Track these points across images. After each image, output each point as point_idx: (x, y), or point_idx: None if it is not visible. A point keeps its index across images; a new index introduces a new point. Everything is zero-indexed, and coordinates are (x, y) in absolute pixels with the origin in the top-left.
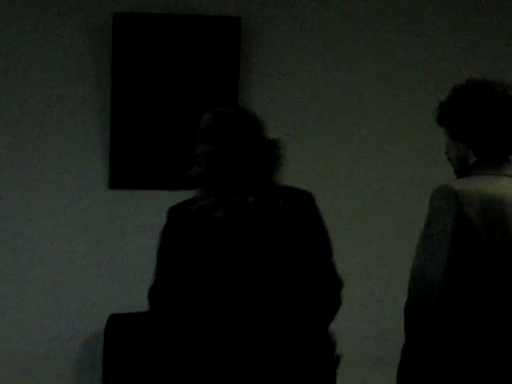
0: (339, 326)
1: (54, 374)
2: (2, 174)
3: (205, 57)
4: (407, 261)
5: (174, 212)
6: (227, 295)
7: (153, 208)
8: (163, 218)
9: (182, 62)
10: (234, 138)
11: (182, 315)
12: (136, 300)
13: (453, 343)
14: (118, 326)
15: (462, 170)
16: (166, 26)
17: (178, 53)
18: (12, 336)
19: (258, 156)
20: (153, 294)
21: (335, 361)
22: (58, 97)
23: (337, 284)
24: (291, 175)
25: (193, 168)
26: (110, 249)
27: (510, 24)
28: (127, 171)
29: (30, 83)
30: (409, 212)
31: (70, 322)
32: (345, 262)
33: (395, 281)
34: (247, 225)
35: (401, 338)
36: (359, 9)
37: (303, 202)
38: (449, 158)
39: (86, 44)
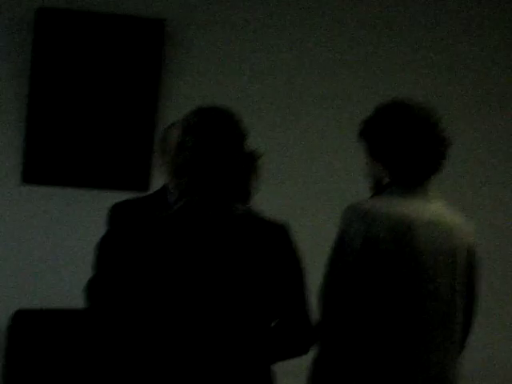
0: None
1: None
2: None
3: (127, 57)
4: None
5: (122, 209)
6: (173, 304)
7: (64, 205)
8: (75, 216)
9: (103, 61)
10: (216, 133)
11: (118, 315)
12: (43, 296)
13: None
14: (24, 321)
15: (377, 188)
16: (89, 23)
17: (101, 52)
18: None
19: (237, 163)
20: (91, 289)
21: None
22: None
23: (311, 333)
24: None
25: (171, 161)
26: (20, 243)
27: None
28: (41, 167)
29: None
30: None
31: None
32: None
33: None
34: (217, 238)
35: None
36: (284, 8)
37: (276, 233)
38: (366, 175)
39: (7, 37)
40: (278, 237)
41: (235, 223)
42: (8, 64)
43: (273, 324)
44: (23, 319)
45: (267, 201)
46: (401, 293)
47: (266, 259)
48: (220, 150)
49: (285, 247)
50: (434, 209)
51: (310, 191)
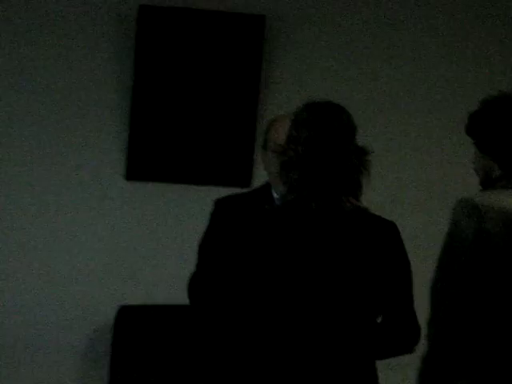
0: None
1: (62, 365)
2: (19, 168)
3: (228, 53)
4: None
5: (225, 204)
6: (281, 301)
7: (167, 201)
8: (176, 212)
9: (204, 58)
10: (330, 128)
11: (222, 310)
12: (147, 292)
13: (470, 360)
14: (128, 318)
15: (487, 182)
16: (190, 20)
17: (201, 48)
18: (21, 326)
19: (349, 157)
20: (194, 285)
21: None
22: (78, 87)
23: (416, 333)
24: None
25: (281, 155)
26: (125, 240)
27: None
28: (144, 163)
29: (50, 74)
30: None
31: (79, 314)
32: None
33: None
34: (328, 233)
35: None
36: (382, 10)
37: (387, 230)
38: (475, 169)
39: (110, 35)
40: (387, 234)
41: (345, 218)
42: (112, 60)
43: (378, 321)
44: (128, 315)
45: (374, 197)
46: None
47: (375, 256)
48: (332, 144)
49: (394, 245)
50: None
51: (417, 188)
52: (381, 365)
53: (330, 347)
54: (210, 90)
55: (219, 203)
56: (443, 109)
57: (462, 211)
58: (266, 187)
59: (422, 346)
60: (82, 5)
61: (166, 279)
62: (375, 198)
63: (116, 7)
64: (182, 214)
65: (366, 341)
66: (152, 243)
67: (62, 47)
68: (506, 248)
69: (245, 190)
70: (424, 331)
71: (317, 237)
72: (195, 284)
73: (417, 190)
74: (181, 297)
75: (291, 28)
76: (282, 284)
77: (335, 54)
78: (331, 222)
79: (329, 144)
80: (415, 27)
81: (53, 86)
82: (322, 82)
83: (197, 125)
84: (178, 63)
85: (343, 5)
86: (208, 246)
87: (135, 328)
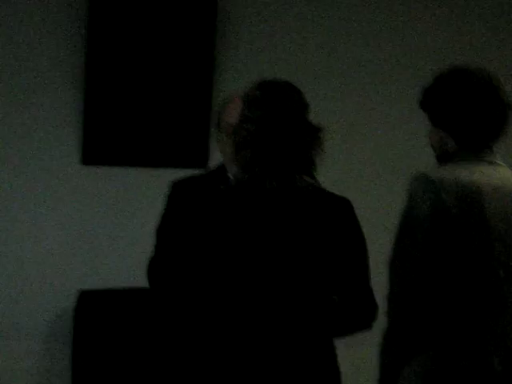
0: None
1: (23, 349)
2: None
3: (181, 36)
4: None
5: (182, 186)
6: (240, 279)
7: (124, 185)
8: (135, 195)
9: (158, 40)
10: (282, 106)
11: (181, 291)
12: (107, 277)
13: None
14: (89, 302)
15: (443, 156)
16: (143, 2)
17: (155, 30)
18: None
19: (302, 135)
20: (153, 267)
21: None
22: (31, 73)
23: (373, 309)
24: None
25: (233, 135)
26: (83, 225)
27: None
28: (100, 147)
29: (2, 62)
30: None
31: (39, 298)
32: None
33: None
34: (282, 211)
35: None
36: None
37: (341, 207)
38: (431, 145)
39: (62, 20)
40: (341, 210)
41: (299, 196)
42: (64, 45)
43: (335, 299)
44: (88, 300)
45: (329, 175)
46: (472, 259)
47: (329, 232)
48: (284, 122)
49: (348, 221)
50: (502, 173)
51: (369, 164)
52: (342, 342)
53: (286, 326)
54: (165, 72)
55: (175, 185)
56: (396, 83)
57: (418, 186)
58: (222, 168)
59: (381, 323)
60: None
61: (125, 263)
62: (333, 175)
63: None
64: (140, 197)
65: (323, 318)
66: (110, 227)
67: (13, 34)
68: (463, 221)
69: (201, 171)
70: (383, 307)
71: (271, 215)
72: (154, 267)
73: (373, 166)
74: (140, 280)
75: (244, 8)
76: (238, 263)
77: (288, 32)
78: (285, 199)
79: (281, 122)
80: (368, 7)
81: (5, 74)
82: (277, 61)
83: (151, 108)
84: (131, 47)
85: None
86: (165, 229)
87: (96, 312)
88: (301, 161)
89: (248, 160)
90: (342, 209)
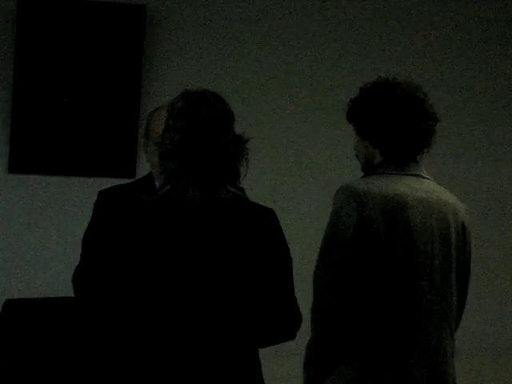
0: None
1: None
2: None
3: (109, 44)
4: None
5: (108, 195)
6: (162, 288)
7: (51, 194)
8: (59, 204)
9: (86, 49)
10: (207, 116)
11: (105, 302)
12: (32, 285)
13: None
14: (14, 311)
15: (369, 168)
16: (70, 11)
17: (83, 39)
18: None
19: (226, 145)
20: (78, 277)
21: None
22: None
23: (297, 319)
24: None
25: (159, 145)
26: (8, 233)
27: None
28: (27, 156)
29: None
30: None
31: None
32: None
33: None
34: (205, 221)
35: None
36: None
37: (264, 217)
38: (356, 156)
39: None
40: (265, 221)
41: (222, 206)
42: None
43: (259, 309)
44: (13, 309)
45: (254, 185)
46: (396, 271)
47: (253, 242)
48: (208, 133)
49: (272, 231)
50: (427, 186)
51: (296, 176)
52: (265, 353)
53: (210, 337)
54: (93, 81)
55: (102, 194)
56: (324, 89)
57: (343, 198)
58: (150, 177)
59: (303, 332)
60: None
61: (51, 272)
62: (260, 185)
63: None
64: (67, 207)
65: (247, 328)
66: (36, 236)
67: None
68: (387, 233)
69: (129, 181)
70: (308, 318)
71: (194, 225)
72: (80, 276)
73: (300, 177)
74: (66, 289)
75: (172, 17)
76: (160, 274)
77: (217, 41)
78: (208, 210)
79: (205, 132)
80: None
81: None
82: (205, 71)
83: (79, 116)
84: (59, 55)
85: None
86: (92, 238)
87: (20, 321)
88: (225, 171)
89: (172, 170)
90: (265, 219)
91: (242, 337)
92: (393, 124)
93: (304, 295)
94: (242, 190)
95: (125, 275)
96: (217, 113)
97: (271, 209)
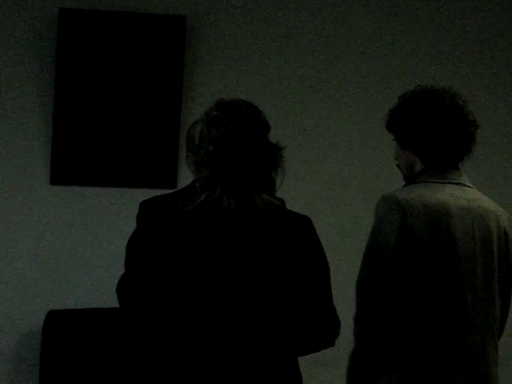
0: None
1: None
2: None
3: (150, 55)
4: None
5: (150, 206)
6: (201, 299)
7: (93, 205)
8: (102, 215)
9: (126, 60)
10: (241, 125)
11: (152, 313)
12: (76, 297)
13: (398, 354)
14: (57, 322)
15: (410, 176)
16: (111, 22)
17: (123, 50)
18: None
19: (261, 154)
20: (122, 287)
21: None
22: (0, 91)
23: (336, 326)
24: None
25: (189, 155)
26: (51, 245)
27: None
28: (69, 167)
29: None
30: None
31: (7, 318)
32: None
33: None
34: (241, 230)
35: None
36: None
37: (301, 225)
38: (398, 165)
39: (31, 38)
40: (301, 229)
41: (257, 214)
42: (34, 64)
43: (297, 317)
44: (56, 320)
45: (290, 193)
46: (439, 281)
47: (289, 250)
48: (242, 141)
49: (309, 239)
50: (469, 194)
51: (333, 184)
52: (307, 362)
53: (249, 346)
54: (133, 92)
55: (144, 205)
56: (361, 102)
57: (385, 207)
58: (192, 187)
59: (344, 341)
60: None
61: (95, 283)
62: (302, 193)
63: (36, 11)
64: (109, 217)
65: (286, 337)
66: (79, 247)
67: None
68: (430, 243)
69: (171, 191)
70: (351, 328)
71: (229, 234)
72: (124, 286)
73: (341, 186)
74: (109, 300)
75: (211, 28)
76: (201, 283)
77: (256, 52)
78: (243, 218)
79: (238, 141)
80: (328, 29)
81: None
82: (245, 81)
83: (121, 127)
84: (100, 66)
85: (264, 2)
86: (135, 249)
87: (64, 332)
88: (260, 180)
89: (207, 179)
90: (301, 227)
91: (281, 345)
92: (433, 131)
93: (343, 303)
94: (282, 200)
95: (165, 285)
96: (250, 122)
97: (307, 216)
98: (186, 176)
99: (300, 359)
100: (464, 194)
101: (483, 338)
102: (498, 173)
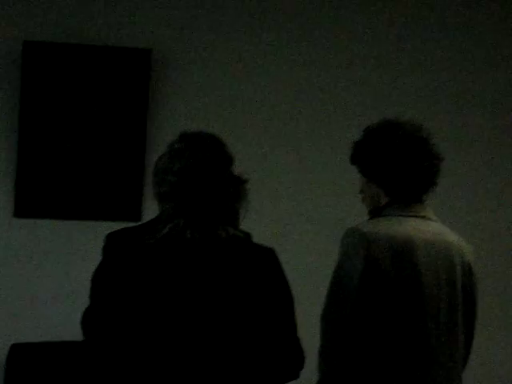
0: None
1: None
2: None
3: (114, 88)
4: None
5: (116, 238)
6: (165, 331)
7: (58, 238)
8: (66, 248)
9: (91, 93)
10: (204, 158)
11: (116, 346)
12: (39, 330)
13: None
14: (20, 356)
15: (375, 209)
16: (76, 55)
17: (88, 83)
18: None
19: (224, 186)
20: (86, 320)
21: None
22: None
23: (300, 358)
24: None
25: (155, 187)
26: (14, 277)
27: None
28: (32, 200)
29: None
30: None
31: None
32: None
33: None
34: (205, 262)
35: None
36: (269, 31)
37: (265, 257)
38: (362, 199)
39: None
40: (265, 260)
41: (221, 247)
42: None
43: (261, 349)
44: (20, 353)
45: (254, 225)
46: (404, 314)
47: (253, 282)
48: (205, 173)
49: (273, 271)
50: (433, 227)
51: (297, 215)
52: None
53: (215, 379)
54: (98, 124)
55: (110, 237)
56: (328, 135)
57: (350, 240)
58: (158, 219)
59: (309, 374)
60: None
61: (59, 316)
62: (267, 226)
63: (1, 43)
64: (73, 250)
65: (250, 370)
66: (43, 280)
67: None
68: (395, 275)
69: (136, 224)
70: (314, 361)
71: (193, 266)
72: (89, 319)
73: (308, 219)
74: (74, 333)
75: (177, 62)
76: (165, 315)
77: (221, 84)
78: (207, 250)
79: (201, 174)
80: (300, 57)
81: None
82: (210, 113)
83: (85, 160)
84: (65, 99)
85: (232, 37)
86: (100, 281)
87: (27, 366)
88: (224, 212)
89: (171, 212)
90: (265, 258)
91: (245, 378)
92: (396, 163)
93: (308, 335)
94: (247, 233)
95: (128, 318)
96: (214, 154)
97: (271, 248)
98: (150, 209)
99: None
100: (428, 228)
101: (448, 371)
102: (462, 201)
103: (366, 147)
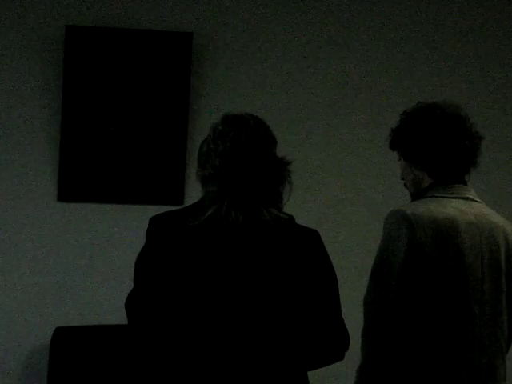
0: None
1: None
2: None
3: (156, 72)
4: None
5: (159, 221)
6: (210, 313)
7: (100, 221)
8: (109, 232)
9: (133, 77)
10: (247, 139)
11: (161, 330)
12: (83, 314)
13: (406, 369)
14: (64, 339)
15: (417, 192)
16: (118, 40)
17: (130, 67)
18: None
19: (267, 168)
20: (131, 303)
21: None
22: (7, 108)
23: (345, 339)
24: None
25: (199, 170)
26: (59, 261)
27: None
28: (76, 184)
29: None
30: None
31: (15, 335)
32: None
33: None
34: (248, 244)
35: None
36: (309, 18)
37: (308, 239)
38: (405, 184)
39: (38, 56)
40: (309, 242)
41: (264, 228)
42: (41, 81)
43: (306, 330)
44: (64, 336)
45: (298, 207)
46: (447, 296)
47: (297, 265)
48: (249, 155)
49: (317, 253)
50: (476, 209)
51: (342, 199)
52: (317, 376)
53: (259, 360)
54: (140, 108)
55: (154, 220)
56: (369, 120)
57: (393, 222)
58: (201, 203)
59: (353, 355)
60: (8, 27)
61: (101, 300)
62: (310, 208)
63: (44, 28)
64: (116, 234)
65: (295, 351)
66: (86, 264)
67: None
68: (438, 258)
69: (178, 208)
70: (358, 342)
71: (237, 248)
72: (133, 302)
73: (350, 201)
74: (117, 317)
75: (218, 45)
76: (210, 297)
77: (262, 67)
78: (250, 232)
79: (245, 156)
80: (342, 45)
81: None
82: (252, 96)
83: (128, 144)
84: (107, 83)
85: (271, 20)
86: (144, 264)
87: (71, 349)
88: (267, 194)
89: (215, 194)
90: (309, 240)
91: (290, 360)
92: (438, 143)
93: (351, 317)
94: (291, 216)
95: (174, 301)
96: (257, 136)
97: (315, 230)
98: (192, 193)
99: (309, 374)
100: (472, 209)
101: (491, 354)
102: (504, 184)
103: (406, 131)
